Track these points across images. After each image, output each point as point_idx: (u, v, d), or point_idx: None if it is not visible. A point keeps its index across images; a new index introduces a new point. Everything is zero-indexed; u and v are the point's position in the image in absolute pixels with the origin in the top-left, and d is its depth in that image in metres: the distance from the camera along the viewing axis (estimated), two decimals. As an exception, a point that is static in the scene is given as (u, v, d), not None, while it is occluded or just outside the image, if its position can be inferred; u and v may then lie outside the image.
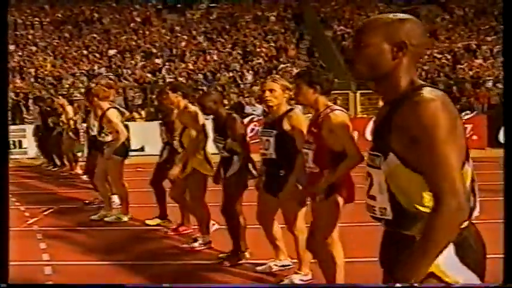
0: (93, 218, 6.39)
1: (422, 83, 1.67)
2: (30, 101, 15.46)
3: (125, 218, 6.33)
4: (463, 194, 1.51)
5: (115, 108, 6.47)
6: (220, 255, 4.77)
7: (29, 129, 12.63)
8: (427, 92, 1.58)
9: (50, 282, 4.31)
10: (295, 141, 3.85)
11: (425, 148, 1.53)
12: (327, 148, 3.37)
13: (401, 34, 1.64)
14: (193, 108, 5.20)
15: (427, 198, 1.59)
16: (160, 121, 6.14)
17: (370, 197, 1.74)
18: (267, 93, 3.96)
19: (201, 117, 5.06)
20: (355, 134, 3.85)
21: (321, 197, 3.38)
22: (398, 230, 1.67)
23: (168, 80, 18.05)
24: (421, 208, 1.61)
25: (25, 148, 12.81)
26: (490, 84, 17.41)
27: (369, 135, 13.65)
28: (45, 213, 6.91)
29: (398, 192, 1.63)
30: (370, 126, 13.30)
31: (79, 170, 10.40)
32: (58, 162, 11.21)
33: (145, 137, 11.39)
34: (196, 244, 5.13)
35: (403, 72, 1.66)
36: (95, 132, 6.61)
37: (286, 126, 3.90)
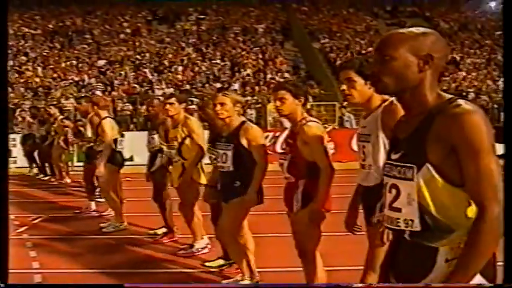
0: (105, 230, 6.38)
1: (451, 95, 1.69)
2: (19, 110, 15.59)
3: (121, 227, 6.43)
4: (501, 203, 1.57)
5: (112, 118, 6.71)
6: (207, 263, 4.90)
7: (19, 138, 12.69)
8: (466, 103, 1.61)
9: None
10: (251, 153, 3.97)
11: (470, 158, 1.57)
12: (302, 158, 3.45)
13: (426, 47, 1.66)
14: (194, 118, 5.37)
15: (461, 210, 1.62)
16: (151, 130, 6.15)
17: (392, 209, 1.73)
18: (218, 106, 4.05)
19: (202, 128, 5.24)
20: (332, 145, 3.88)
21: (298, 207, 3.45)
22: (423, 242, 1.67)
23: (156, 90, 18.21)
24: (453, 220, 1.63)
25: (14, 157, 12.88)
26: (473, 95, 17.79)
27: (355, 146, 13.83)
28: (35, 221, 6.97)
29: (432, 203, 1.63)
30: (356, 136, 13.45)
31: (67, 179, 10.52)
32: (49, 172, 11.28)
33: (134, 147, 11.50)
34: (193, 249, 5.31)
35: (429, 85, 1.68)
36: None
37: (242, 139, 3.99)
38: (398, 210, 1.71)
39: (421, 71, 1.67)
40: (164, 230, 5.99)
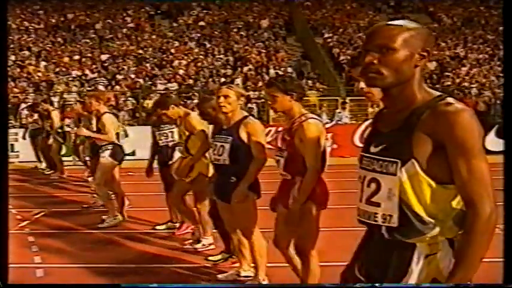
0: (100, 226, 6.35)
1: (440, 93, 1.69)
2: (22, 105, 15.63)
3: (114, 221, 6.39)
4: (494, 199, 1.56)
5: (111, 113, 6.71)
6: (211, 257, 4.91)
7: (21, 133, 12.74)
8: (457, 102, 1.62)
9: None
10: (249, 148, 3.88)
11: (461, 157, 1.57)
12: (299, 156, 3.38)
13: (423, 42, 1.66)
14: (194, 114, 5.39)
15: (444, 206, 1.62)
16: (168, 124, 6.11)
17: (371, 203, 1.70)
18: (222, 99, 3.95)
19: (204, 123, 5.20)
20: (330, 142, 3.80)
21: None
22: (400, 238, 1.65)
23: (159, 85, 18.24)
24: (435, 217, 1.62)
25: (17, 152, 12.93)
26: (476, 91, 17.76)
27: (357, 141, 13.91)
28: (37, 216, 6.99)
29: (414, 199, 1.62)
30: (359, 131, 13.49)
31: (66, 173, 10.55)
32: (49, 166, 11.38)
33: (137, 142, 11.52)
34: (199, 245, 5.31)
35: (419, 80, 1.68)
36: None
37: (242, 133, 3.90)
38: (377, 204, 1.68)
39: (415, 66, 1.66)
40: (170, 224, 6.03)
